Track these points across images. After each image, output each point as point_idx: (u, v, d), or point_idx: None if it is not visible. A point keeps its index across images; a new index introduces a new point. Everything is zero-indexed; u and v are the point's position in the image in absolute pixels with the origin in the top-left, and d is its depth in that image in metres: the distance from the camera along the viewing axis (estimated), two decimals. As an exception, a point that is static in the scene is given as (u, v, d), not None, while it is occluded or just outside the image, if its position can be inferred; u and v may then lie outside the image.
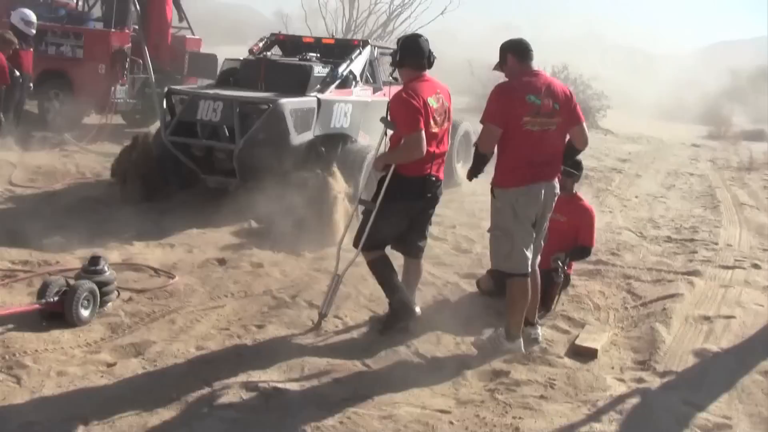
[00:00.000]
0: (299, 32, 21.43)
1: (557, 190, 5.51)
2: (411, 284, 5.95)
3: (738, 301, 6.81)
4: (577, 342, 5.74)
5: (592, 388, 5.06)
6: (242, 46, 12.22)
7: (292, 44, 11.23)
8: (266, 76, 9.44)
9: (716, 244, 9.12)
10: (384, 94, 9.46)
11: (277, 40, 11.36)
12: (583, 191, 11.96)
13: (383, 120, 5.58)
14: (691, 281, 7.33)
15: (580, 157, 6.16)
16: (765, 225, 10.38)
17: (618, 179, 14.10)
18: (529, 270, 5.40)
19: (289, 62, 9.77)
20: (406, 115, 5.36)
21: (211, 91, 9.10)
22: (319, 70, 9.50)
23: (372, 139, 9.32)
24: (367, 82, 10.35)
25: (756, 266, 8.19)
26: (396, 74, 6.22)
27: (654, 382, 5.20)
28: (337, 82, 9.53)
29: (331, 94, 9.33)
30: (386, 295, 5.73)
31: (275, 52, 11.08)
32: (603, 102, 24.75)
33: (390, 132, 5.58)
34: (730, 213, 11.33)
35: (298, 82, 9.16)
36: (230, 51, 12.70)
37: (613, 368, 5.44)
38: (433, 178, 5.61)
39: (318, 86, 9.29)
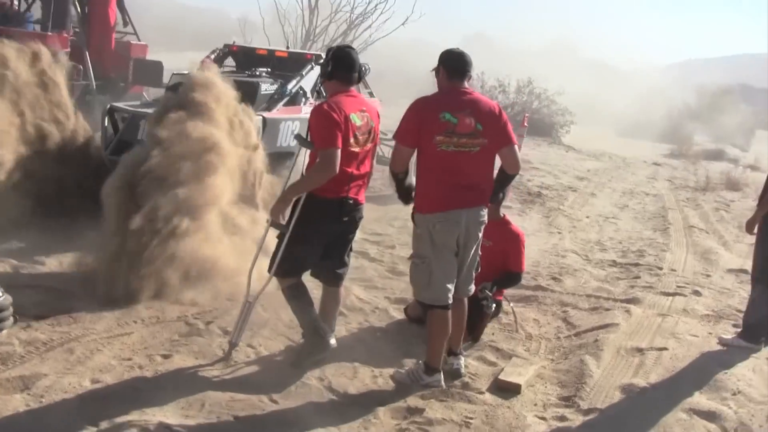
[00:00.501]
0: (260, 39, 21.22)
1: (484, 218, 5.21)
2: (329, 314, 5.66)
3: (673, 332, 6.67)
4: (501, 376, 5.54)
5: (510, 427, 4.88)
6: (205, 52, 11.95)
7: (245, 56, 10.95)
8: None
9: (660, 269, 9.01)
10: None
11: (230, 51, 11.08)
12: (536, 210, 11.99)
13: (298, 138, 5.34)
14: (628, 309, 7.18)
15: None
16: (711, 249, 10.30)
17: (572, 198, 13.99)
18: (450, 301, 5.15)
19: (236, 79, 8.64)
20: (324, 127, 5.02)
21: (151, 110, 8.16)
22: (267, 88, 9.34)
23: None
24: (319, 97, 9.93)
25: (697, 293, 8.09)
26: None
27: (576, 420, 5.03)
28: (285, 99, 9.34)
29: (277, 112, 9.09)
30: (300, 325, 5.49)
31: (228, 64, 10.88)
32: (567, 118, 24.72)
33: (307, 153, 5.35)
34: (679, 235, 11.26)
35: (245, 99, 8.31)
36: (196, 57, 12.43)
37: (536, 405, 5.26)
38: (351, 201, 5.29)
39: (265, 104, 9.09)
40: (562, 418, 5.05)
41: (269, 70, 10.05)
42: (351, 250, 5.75)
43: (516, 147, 5.19)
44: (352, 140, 5.09)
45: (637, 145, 27.92)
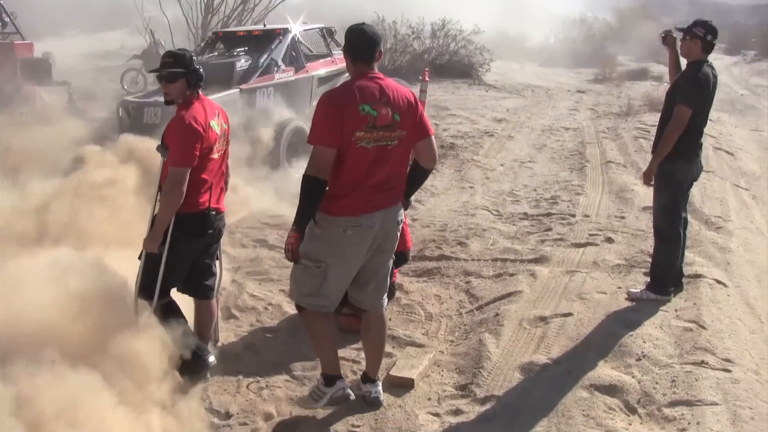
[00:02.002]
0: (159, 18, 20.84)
1: (400, 218, 4.69)
2: (204, 329, 5.36)
3: (580, 293, 6.44)
4: (392, 372, 5.26)
5: (400, 430, 4.64)
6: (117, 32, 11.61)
7: (228, 39, 13.08)
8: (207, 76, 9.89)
9: (573, 216, 8.78)
10: (306, 71, 12.30)
11: (217, 37, 13.38)
12: (448, 165, 11.69)
13: (159, 148, 4.97)
14: (533, 273, 6.93)
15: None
16: (627, 186, 10.07)
17: (488, 144, 13.66)
18: (334, 309, 4.68)
19: (216, 62, 11.64)
20: (182, 145, 4.72)
21: (150, 99, 10.91)
22: (242, 64, 11.43)
23: (295, 112, 11.45)
24: (291, 63, 12.09)
25: (609, 240, 7.87)
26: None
27: (471, 412, 4.80)
28: (259, 71, 11.42)
29: (252, 83, 11.21)
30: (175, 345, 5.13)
31: (219, 47, 13.04)
32: (486, 56, 24.29)
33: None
34: (595, 174, 11.04)
35: (225, 77, 10.92)
36: (110, 37, 11.96)
37: (430, 399, 5.01)
38: (214, 212, 5.01)
39: (240, 78, 11.17)
40: (457, 412, 4.83)
41: (247, 48, 12.10)
42: (218, 258, 5.43)
43: (433, 138, 4.67)
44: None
45: (562, 74, 27.75)
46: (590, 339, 5.60)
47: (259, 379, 5.25)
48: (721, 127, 16.45)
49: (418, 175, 4.80)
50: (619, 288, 6.55)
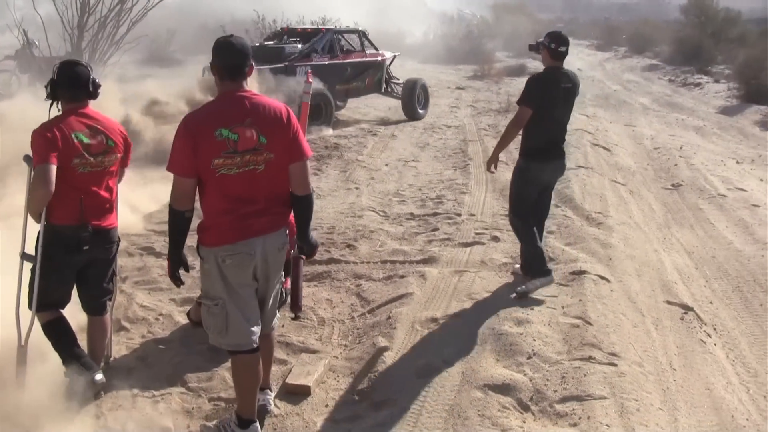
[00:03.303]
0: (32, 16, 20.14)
1: (285, 240, 4.49)
2: (95, 345, 5.25)
3: (469, 292, 6.61)
4: (288, 380, 5.28)
5: (299, 440, 4.64)
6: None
7: (290, 32, 17.24)
8: (263, 55, 14.86)
9: (459, 215, 8.99)
10: (340, 59, 16.34)
11: (282, 31, 17.64)
12: (332, 166, 11.75)
13: (26, 158, 4.86)
14: (423, 274, 7.07)
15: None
16: (508, 184, 10.33)
17: (372, 144, 13.83)
18: (255, 344, 4.48)
19: (273, 46, 16.08)
20: (38, 145, 4.62)
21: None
22: (289, 49, 15.58)
23: (327, 84, 15.34)
24: (327, 52, 16.18)
25: (495, 239, 8.11)
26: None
27: (369, 417, 4.87)
28: (302, 55, 15.59)
29: (294, 62, 15.22)
30: (63, 363, 5.01)
31: (284, 38, 17.06)
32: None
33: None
34: (479, 172, 11.32)
35: (277, 56, 15.13)
36: None
37: (327, 405, 5.07)
38: (89, 230, 4.85)
39: (289, 59, 15.19)
40: (354, 418, 4.89)
41: (299, 39, 16.46)
42: (114, 275, 5.31)
43: (307, 163, 4.43)
44: (77, 160, 4.64)
45: (442, 71, 28.18)
46: (482, 339, 5.75)
47: (154, 392, 5.17)
48: (597, 123, 17.08)
49: (297, 208, 4.51)
50: (507, 286, 6.75)
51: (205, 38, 20.76)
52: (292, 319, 5.61)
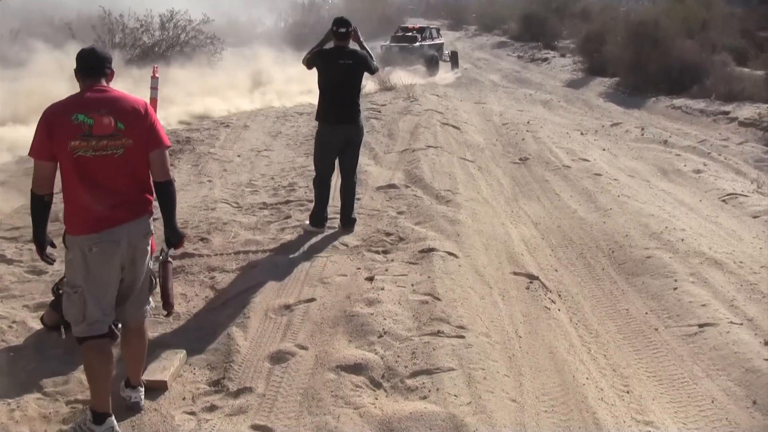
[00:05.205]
0: None
1: (149, 228, 4.66)
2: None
3: (321, 277, 6.78)
4: (145, 376, 5.29)
5: (157, 434, 4.69)
6: None
7: (404, 29, 31.31)
8: (402, 39, 29.65)
9: (311, 201, 9.10)
10: (432, 41, 31.00)
11: (405, 28, 31.75)
12: (185, 160, 11.66)
13: None
14: (275, 262, 7.19)
15: None
16: (361, 167, 10.55)
17: (224, 136, 13.78)
18: (106, 331, 4.56)
19: (407, 34, 30.27)
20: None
21: (389, 45, 29.31)
22: (418, 37, 29.90)
23: (431, 52, 29.77)
24: (426, 39, 30.31)
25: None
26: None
27: (226, 407, 4.97)
28: (424, 40, 30.06)
29: (419, 42, 29.55)
30: None
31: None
32: (217, 45, 24.23)
33: None
34: (331, 157, 11.45)
35: (413, 39, 29.49)
36: None
37: (184, 399, 5.13)
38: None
39: (420, 40, 29.75)
40: (212, 408, 4.98)
41: (416, 31, 30.84)
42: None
43: (166, 151, 4.67)
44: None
45: (297, 57, 27.97)
46: (334, 321, 5.94)
47: (9, 401, 5.07)
48: (447, 102, 17.55)
49: (160, 197, 4.72)
50: (359, 269, 6.96)
51: (51, 36, 20.16)
52: (165, 316, 5.85)
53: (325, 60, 7.94)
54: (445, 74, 29.25)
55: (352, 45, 8.03)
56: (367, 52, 8.16)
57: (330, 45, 8.06)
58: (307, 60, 8.05)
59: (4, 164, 11.32)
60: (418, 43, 29.07)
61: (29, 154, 4.40)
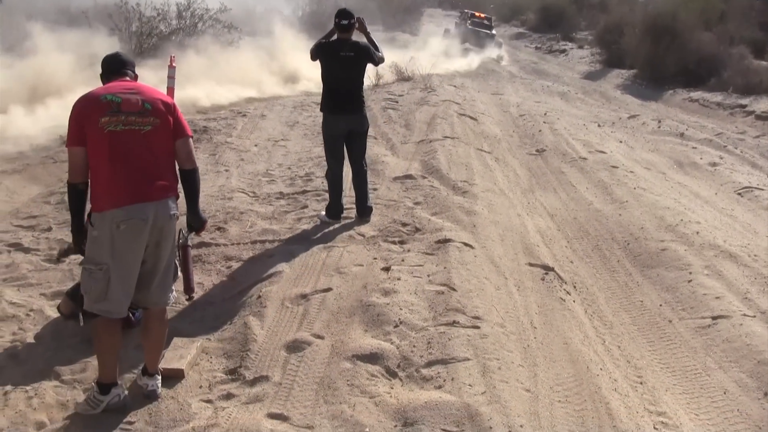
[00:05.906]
0: None
1: (173, 211, 4.76)
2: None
3: (337, 267, 6.80)
4: (162, 364, 5.34)
5: (175, 421, 4.75)
6: None
7: (472, 16, 42.72)
8: (479, 24, 41.10)
9: (327, 191, 9.13)
10: (490, 30, 41.38)
11: (472, 14, 43.43)
12: (202, 149, 11.71)
13: None
14: (292, 252, 7.22)
15: None
16: (378, 158, 10.63)
17: (241, 125, 13.81)
18: (124, 315, 4.78)
19: (486, 22, 41.91)
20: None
21: (471, 28, 40.71)
22: (489, 24, 41.67)
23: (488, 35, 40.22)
24: (489, 28, 41.24)
25: (362, 211, 8.31)
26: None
27: (243, 395, 4.99)
28: (490, 29, 41.44)
29: (491, 32, 40.77)
30: None
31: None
32: (234, 35, 24.23)
33: None
34: (348, 148, 11.48)
35: (489, 26, 41.50)
36: None
37: (201, 387, 5.16)
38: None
39: (490, 28, 41.39)
40: (228, 396, 5.00)
41: (484, 20, 42.43)
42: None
43: (190, 140, 4.92)
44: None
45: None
46: (350, 311, 5.96)
47: (26, 388, 5.13)
48: (465, 93, 17.52)
49: (185, 183, 4.95)
50: (375, 259, 6.98)
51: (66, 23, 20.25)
52: (186, 300, 5.94)
53: (326, 52, 7.99)
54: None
55: (358, 36, 8.07)
56: (373, 43, 8.20)
57: (335, 37, 8.09)
58: (312, 52, 8.12)
59: (21, 153, 11.41)
60: (494, 30, 40.08)
61: (66, 144, 4.60)
